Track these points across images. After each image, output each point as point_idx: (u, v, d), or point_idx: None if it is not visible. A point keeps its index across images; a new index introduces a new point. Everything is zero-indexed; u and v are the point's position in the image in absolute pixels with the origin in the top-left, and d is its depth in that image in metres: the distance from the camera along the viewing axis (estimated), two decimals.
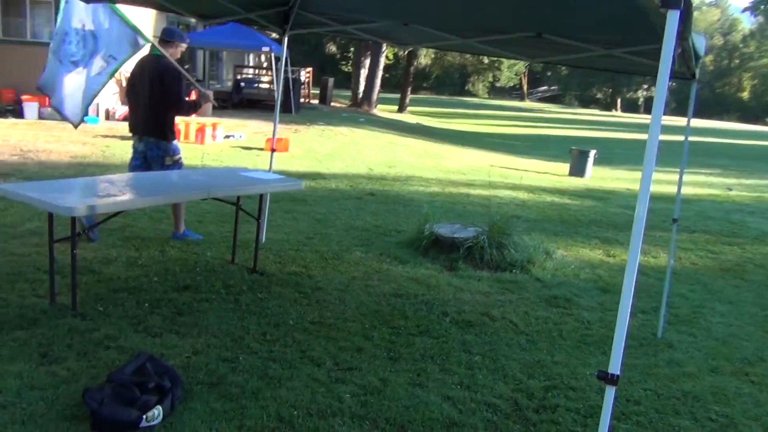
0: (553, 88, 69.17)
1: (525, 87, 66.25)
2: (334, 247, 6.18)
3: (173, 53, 5.49)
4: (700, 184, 14.69)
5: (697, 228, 9.16)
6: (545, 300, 5.29)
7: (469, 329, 4.50)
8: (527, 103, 60.95)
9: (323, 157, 13.01)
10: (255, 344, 3.86)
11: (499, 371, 3.88)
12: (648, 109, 63.29)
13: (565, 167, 14.65)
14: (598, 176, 14.40)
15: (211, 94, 7.22)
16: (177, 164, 5.63)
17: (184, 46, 5.63)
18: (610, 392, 2.02)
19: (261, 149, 13.01)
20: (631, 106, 63.43)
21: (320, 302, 4.70)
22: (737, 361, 4.42)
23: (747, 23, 75.33)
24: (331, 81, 29.00)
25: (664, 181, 14.27)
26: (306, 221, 7.23)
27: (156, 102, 5.37)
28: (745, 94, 70.35)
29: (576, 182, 13.25)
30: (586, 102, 66.51)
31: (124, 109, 15.51)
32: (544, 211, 9.34)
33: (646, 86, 59.61)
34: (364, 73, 29.75)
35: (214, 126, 13.39)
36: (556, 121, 37.42)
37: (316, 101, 27.56)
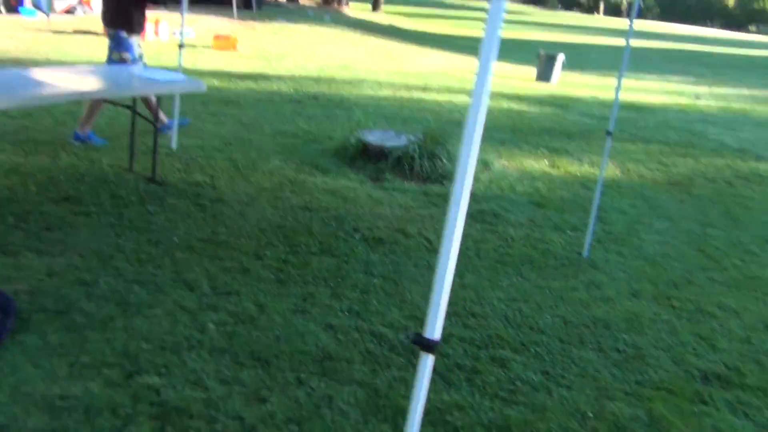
0: None
1: None
2: (252, 155, 5.71)
3: None
4: (669, 92, 14.21)
5: (654, 138, 8.77)
6: (470, 215, 4.91)
7: (377, 248, 4.13)
8: (509, 5, 58.68)
9: (274, 56, 12.27)
10: (124, 265, 3.45)
11: (397, 296, 3.53)
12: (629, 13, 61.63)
13: (533, 72, 14.03)
14: (566, 81, 13.84)
15: None
16: (124, 62, 5.20)
17: None
18: (425, 360, 1.65)
19: (208, 47, 12.20)
20: (614, 10, 61.68)
21: (217, 217, 4.28)
22: (662, 284, 4.13)
23: None
24: None
25: (637, 89, 13.82)
26: (231, 125, 6.70)
27: None
28: (731, 1, 68.58)
29: (540, 88, 12.69)
30: (569, 5, 64.54)
31: (66, 3, 14.45)
32: (498, 119, 8.85)
33: None
34: None
35: (156, 22, 12.47)
36: (536, 24, 36.17)
37: None
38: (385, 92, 10.04)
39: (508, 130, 8.17)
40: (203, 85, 4.77)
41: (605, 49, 25.01)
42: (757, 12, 62.75)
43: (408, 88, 10.67)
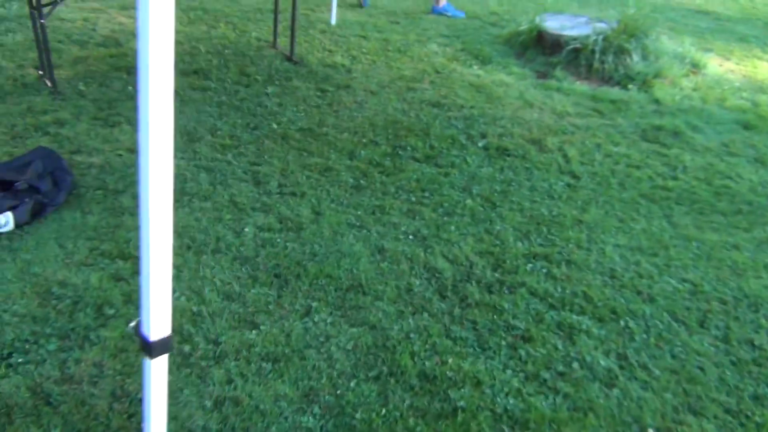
0: None
1: None
2: (412, 36, 5.18)
3: None
4: None
5: None
6: (643, 131, 3.98)
7: (496, 160, 3.51)
8: None
9: None
10: (205, 149, 3.32)
11: (485, 223, 2.96)
12: None
13: None
14: None
15: None
16: None
17: None
18: (147, 366, 1.20)
19: None
20: None
21: (334, 104, 3.95)
22: None
23: None
24: None
25: None
26: (410, 0, 6.16)
27: None
28: None
29: None
30: None
31: None
32: (750, 7, 7.09)
33: None
34: None
35: None
36: None
37: None
38: None
39: (760, 22, 6.49)
40: None
41: None
42: None
43: None
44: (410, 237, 2.81)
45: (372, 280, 2.52)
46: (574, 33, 4.76)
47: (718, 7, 6.97)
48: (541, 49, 4.86)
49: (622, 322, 2.44)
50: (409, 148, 3.53)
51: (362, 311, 2.37)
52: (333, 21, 5.19)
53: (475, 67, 4.68)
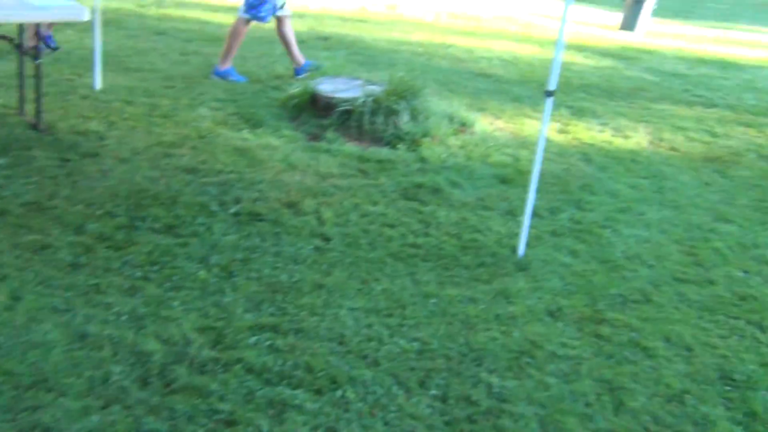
0: None
1: None
2: (184, 101, 5.00)
3: None
4: None
5: (722, 102, 7.29)
6: (404, 190, 4.01)
7: (245, 226, 3.36)
8: None
9: None
10: None
11: (215, 295, 2.76)
12: None
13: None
14: (656, 31, 12.10)
15: None
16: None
17: None
18: None
19: None
20: None
21: (74, 175, 3.64)
22: (604, 299, 3.11)
23: None
24: None
25: (738, 42, 11.92)
26: (196, 63, 6.01)
27: None
28: None
29: (616, 38, 11.11)
30: None
31: None
32: (530, 72, 7.65)
33: None
34: None
35: None
36: None
37: None
38: (419, 36, 8.97)
39: (534, 85, 6.99)
40: (83, 12, 3.91)
41: None
42: None
43: (453, 32, 9.53)
44: (123, 318, 2.55)
45: (62, 372, 2.23)
46: (346, 95, 4.81)
47: (500, 70, 7.44)
48: (314, 111, 4.86)
49: (339, 392, 2.31)
50: (149, 218, 3.29)
51: (38, 412, 2.06)
52: (97, 86, 4.89)
53: (245, 131, 4.57)
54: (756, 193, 4.71)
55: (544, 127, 3.31)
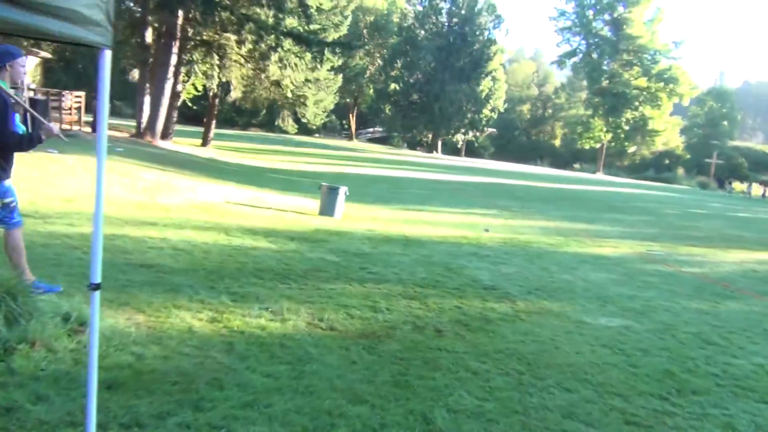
0: (378, 129, 69.84)
1: (353, 127, 66.25)
2: None
3: (10, 75, 4.69)
4: (461, 225, 13.59)
5: (395, 277, 7.55)
6: None
7: None
8: (354, 143, 60.55)
9: None
10: None
11: None
12: (467, 152, 65.48)
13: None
14: (353, 215, 12.80)
15: (55, 126, 5.34)
16: (8, 209, 4.92)
17: (20, 61, 4.72)
18: None
19: None
20: (453, 149, 65.09)
21: None
22: None
23: (558, 77, 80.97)
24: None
25: (426, 222, 13.06)
26: None
27: None
28: (557, 141, 74.87)
29: (310, 222, 11.49)
30: (414, 144, 67.45)
31: None
32: (203, 259, 7.28)
33: (464, 131, 61.26)
34: (148, 100, 26.86)
35: None
36: (369, 160, 36.62)
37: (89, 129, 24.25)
38: (108, 228, 8.24)
39: (202, 273, 6.60)
40: None
41: (422, 183, 25.13)
42: (580, 152, 68.63)
43: (141, 224, 8.97)
44: None
45: None
46: None
47: (168, 260, 6.97)
48: None
49: None
50: None
51: None
52: None
53: None
54: (399, 367, 4.61)
55: (93, 319, 2.78)
